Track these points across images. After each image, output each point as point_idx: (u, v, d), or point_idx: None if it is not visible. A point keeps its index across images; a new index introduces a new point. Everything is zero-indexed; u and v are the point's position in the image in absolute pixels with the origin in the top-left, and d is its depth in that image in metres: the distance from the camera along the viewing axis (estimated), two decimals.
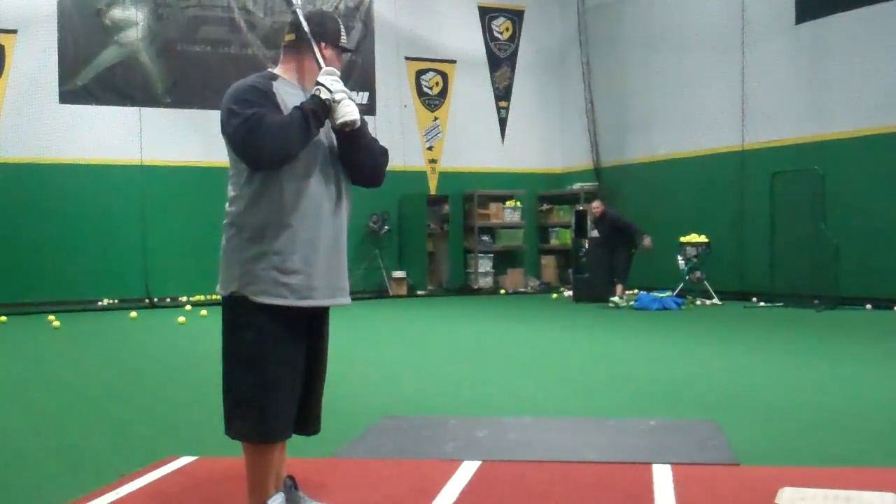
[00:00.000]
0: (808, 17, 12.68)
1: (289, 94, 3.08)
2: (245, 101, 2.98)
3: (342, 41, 3.23)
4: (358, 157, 3.19)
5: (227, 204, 3.14)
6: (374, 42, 16.29)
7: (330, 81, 3.04)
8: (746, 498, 3.48)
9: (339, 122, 3.03)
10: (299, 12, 3.17)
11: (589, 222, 14.43)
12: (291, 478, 3.25)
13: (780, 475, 3.68)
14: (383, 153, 3.28)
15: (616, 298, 12.84)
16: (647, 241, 12.80)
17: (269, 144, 2.92)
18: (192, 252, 14.03)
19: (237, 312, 3.07)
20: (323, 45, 3.15)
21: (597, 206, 13.44)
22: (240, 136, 2.95)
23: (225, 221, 3.13)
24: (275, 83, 3.09)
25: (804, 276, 12.23)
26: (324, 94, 3.02)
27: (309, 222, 3.05)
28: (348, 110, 3.03)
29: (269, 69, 3.22)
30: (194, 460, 4.13)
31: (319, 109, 3.01)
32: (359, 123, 3.08)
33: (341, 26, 3.25)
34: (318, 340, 3.22)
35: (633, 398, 5.76)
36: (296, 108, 2.99)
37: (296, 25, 3.20)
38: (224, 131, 3.03)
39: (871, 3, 11.81)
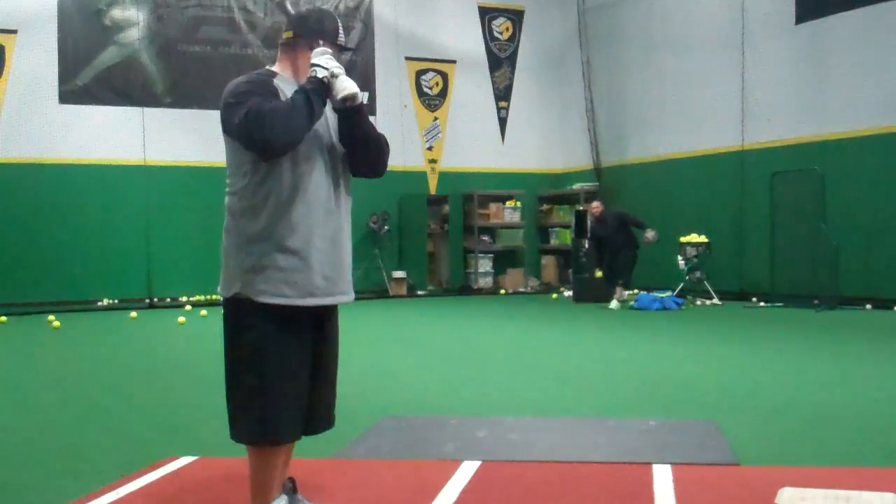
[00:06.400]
0: (808, 17, 12.67)
1: (289, 90, 3.05)
2: (244, 93, 2.97)
3: (340, 39, 3.21)
4: (360, 143, 3.15)
5: (225, 204, 3.11)
6: (374, 42, 16.28)
7: (325, 60, 3.02)
8: (746, 498, 3.48)
9: (339, 97, 3.01)
10: (289, 7, 3.21)
11: (589, 224, 14.40)
12: (291, 480, 3.18)
13: (780, 475, 3.67)
14: (384, 140, 3.23)
15: (614, 302, 12.69)
16: (650, 234, 12.60)
17: (277, 128, 2.86)
18: (192, 252, 14.06)
19: (239, 314, 3.03)
20: (320, 42, 3.12)
21: (596, 206, 13.35)
22: (245, 126, 2.88)
23: (225, 223, 3.10)
24: (274, 79, 3.09)
25: (804, 276, 12.22)
26: (320, 73, 3.00)
27: (309, 220, 3.02)
28: (347, 84, 3.01)
29: (267, 67, 3.21)
30: (194, 460, 4.13)
31: (319, 87, 2.98)
32: (360, 98, 3.05)
33: (339, 24, 3.24)
34: (323, 340, 3.16)
35: (633, 398, 5.76)
36: (296, 91, 2.97)
37: (293, 23, 3.20)
38: (227, 127, 2.99)
39: (871, 3, 11.80)
